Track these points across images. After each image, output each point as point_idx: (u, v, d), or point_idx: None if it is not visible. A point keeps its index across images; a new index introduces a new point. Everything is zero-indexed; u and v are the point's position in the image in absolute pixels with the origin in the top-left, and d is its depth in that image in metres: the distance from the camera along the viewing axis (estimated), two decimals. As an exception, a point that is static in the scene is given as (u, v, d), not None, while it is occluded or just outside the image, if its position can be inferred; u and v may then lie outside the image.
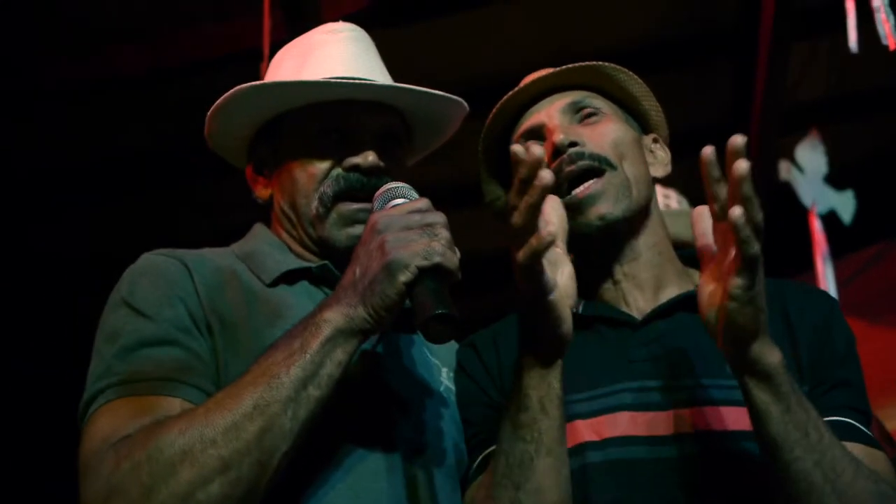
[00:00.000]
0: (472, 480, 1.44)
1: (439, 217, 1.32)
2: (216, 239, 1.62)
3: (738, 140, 1.16)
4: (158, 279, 1.42)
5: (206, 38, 3.03)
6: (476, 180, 1.68)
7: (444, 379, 1.57)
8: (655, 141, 1.65)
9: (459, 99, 1.64)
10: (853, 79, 3.56)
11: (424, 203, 1.35)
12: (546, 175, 1.16)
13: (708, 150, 1.20)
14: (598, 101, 1.57)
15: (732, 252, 1.19)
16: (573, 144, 1.49)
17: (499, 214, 1.68)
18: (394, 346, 1.54)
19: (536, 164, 1.17)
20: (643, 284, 1.52)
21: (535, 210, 1.17)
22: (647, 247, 1.54)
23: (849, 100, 3.67)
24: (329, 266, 1.52)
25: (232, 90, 1.54)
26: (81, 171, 3.63)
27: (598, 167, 1.49)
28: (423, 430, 1.47)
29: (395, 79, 1.65)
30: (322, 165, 1.53)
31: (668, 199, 2.60)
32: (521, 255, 1.18)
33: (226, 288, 1.44)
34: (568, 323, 1.26)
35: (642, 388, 1.41)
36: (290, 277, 1.51)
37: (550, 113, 1.55)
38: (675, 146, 1.81)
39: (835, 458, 1.23)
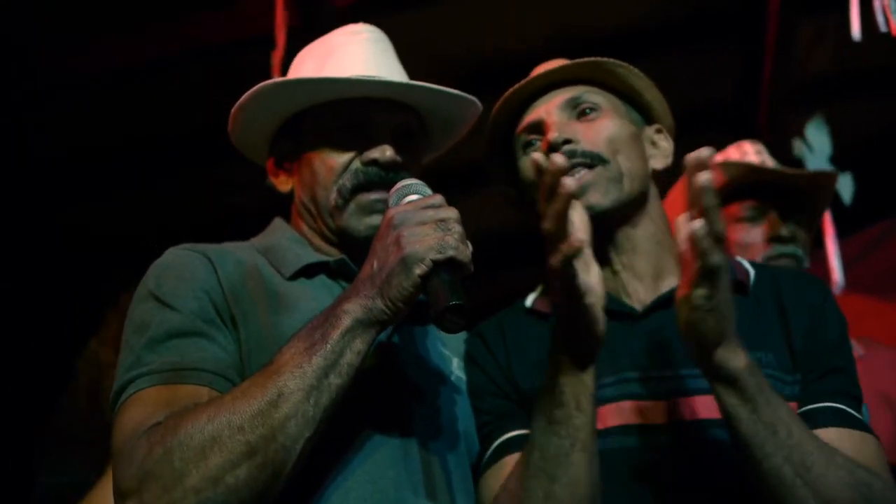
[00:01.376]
0: (487, 468, 1.49)
1: (452, 212, 1.38)
2: (223, 222, 1.66)
3: (702, 153, 1.21)
4: (184, 273, 1.47)
5: (217, 23, 3.06)
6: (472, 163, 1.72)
7: (456, 369, 1.63)
8: (658, 131, 1.68)
9: (474, 98, 1.69)
10: (861, 56, 3.55)
11: (438, 199, 1.40)
12: (569, 183, 1.22)
13: (691, 157, 1.24)
14: (597, 97, 1.62)
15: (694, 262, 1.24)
16: (567, 142, 1.54)
17: (511, 202, 1.74)
18: (408, 338, 1.59)
19: (559, 174, 1.23)
20: (642, 275, 1.57)
21: (563, 217, 1.24)
22: (644, 238, 1.58)
23: (856, 77, 3.67)
24: (346, 261, 1.58)
25: (257, 86, 1.59)
26: (96, 156, 3.67)
27: (588, 164, 1.54)
28: (437, 417, 1.53)
29: (403, 60, 1.71)
30: (341, 159, 1.59)
31: (761, 155, 2.60)
32: (554, 259, 1.25)
33: (247, 281, 1.50)
34: (601, 323, 1.31)
35: (643, 378, 1.46)
36: (309, 271, 1.57)
37: (549, 109, 1.60)
38: (687, 124, 1.86)
39: (804, 452, 1.28)
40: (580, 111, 1.60)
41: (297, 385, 1.29)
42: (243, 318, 1.45)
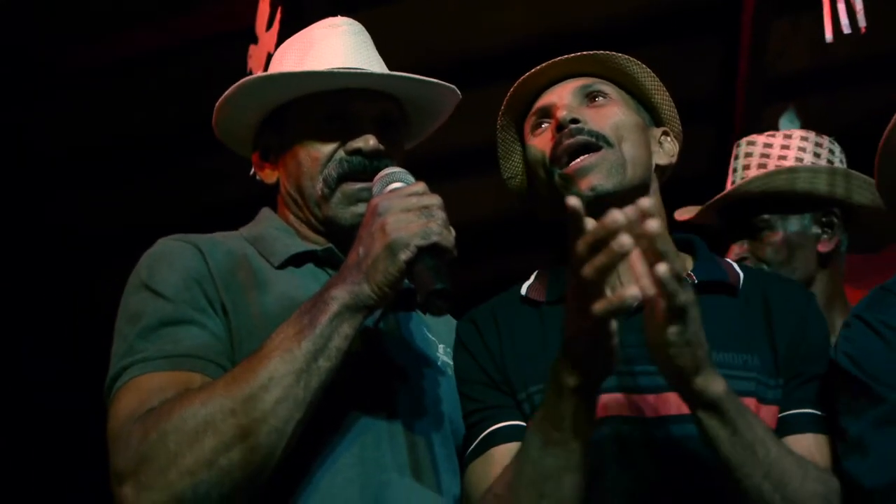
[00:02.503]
0: (474, 458, 1.52)
1: (435, 199, 1.42)
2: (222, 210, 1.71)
3: (644, 202, 1.22)
4: (175, 263, 1.51)
5: (207, 18, 3.12)
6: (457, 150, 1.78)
7: (442, 354, 1.68)
8: (666, 134, 1.71)
9: (452, 86, 1.73)
10: (836, 50, 3.65)
11: (421, 186, 1.44)
12: (629, 244, 1.18)
13: (639, 206, 1.22)
14: (608, 87, 1.66)
15: (662, 302, 1.25)
16: (574, 121, 1.57)
17: (520, 196, 1.78)
18: (394, 323, 1.64)
19: (617, 229, 1.19)
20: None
21: (611, 271, 1.21)
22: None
23: (830, 71, 3.76)
24: (333, 249, 1.62)
25: (242, 81, 1.64)
26: (96, 150, 3.74)
27: (594, 143, 1.56)
28: (422, 400, 1.57)
29: (389, 54, 1.75)
30: (325, 149, 1.63)
31: (820, 149, 2.35)
32: (601, 307, 1.21)
33: (238, 270, 1.53)
34: (616, 365, 1.31)
35: (633, 372, 1.49)
36: (296, 260, 1.61)
37: (561, 94, 1.65)
38: None
39: (783, 469, 1.33)
40: (590, 97, 1.64)
41: (287, 369, 1.32)
42: (233, 305, 1.49)
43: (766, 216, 2.21)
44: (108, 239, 4.14)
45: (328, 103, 1.64)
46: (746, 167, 2.33)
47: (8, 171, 3.69)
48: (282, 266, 1.59)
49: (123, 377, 1.40)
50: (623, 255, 1.19)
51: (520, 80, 1.68)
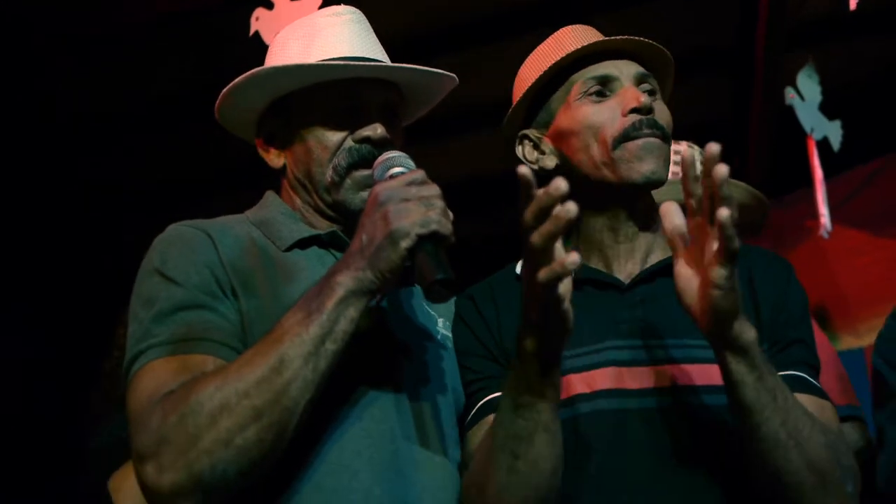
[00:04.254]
0: (471, 426, 1.61)
1: (434, 189, 1.48)
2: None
3: (713, 147, 1.29)
4: (185, 248, 1.58)
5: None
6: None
7: (441, 328, 1.75)
8: None
9: (451, 74, 1.79)
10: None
11: (420, 175, 1.50)
12: (573, 209, 1.25)
13: (709, 150, 1.30)
14: (656, 84, 1.71)
15: (713, 245, 1.32)
16: (651, 111, 1.63)
17: (509, 138, 1.78)
18: (395, 301, 1.71)
19: (560, 199, 1.26)
20: (636, 249, 1.67)
21: (557, 238, 1.29)
22: (652, 217, 1.67)
23: (851, 19, 3.72)
24: (337, 232, 1.70)
25: (253, 71, 1.69)
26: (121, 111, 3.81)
27: (661, 136, 1.63)
28: (425, 372, 1.65)
29: (378, 17, 1.79)
30: (335, 138, 1.69)
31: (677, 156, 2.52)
32: (544, 274, 1.29)
33: (246, 255, 1.61)
34: (572, 326, 1.37)
35: (627, 346, 1.56)
36: (302, 244, 1.68)
37: (623, 71, 1.67)
38: (686, 66, 1.90)
39: (797, 417, 1.39)
40: (646, 89, 1.68)
41: (297, 352, 1.40)
42: (244, 289, 1.56)
43: None
44: (141, 193, 4.25)
45: (338, 92, 1.69)
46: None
47: (39, 131, 3.77)
48: (288, 249, 1.66)
49: (140, 360, 1.48)
50: (569, 221, 1.26)
51: (585, 45, 1.67)
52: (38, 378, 3.93)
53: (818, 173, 3.28)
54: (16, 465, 3.62)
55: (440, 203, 1.47)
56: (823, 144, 3.44)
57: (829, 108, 3.50)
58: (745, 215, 2.35)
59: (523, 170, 1.30)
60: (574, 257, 1.26)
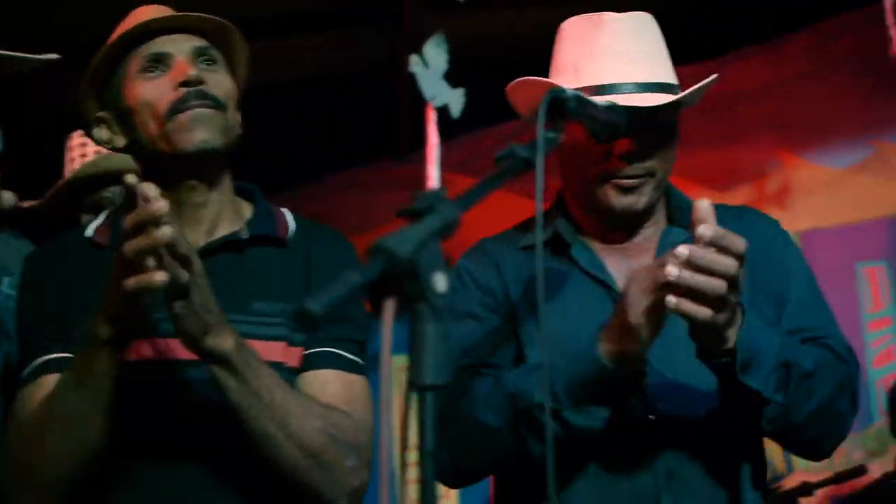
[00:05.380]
0: (27, 384, 1.66)
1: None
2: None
3: (150, 189, 1.44)
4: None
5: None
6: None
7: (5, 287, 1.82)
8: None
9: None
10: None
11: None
12: (167, 233, 1.37)
13: (162, 205, 1.41)
14: (217, 54, 1.76)
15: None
16: (200, 82, 1.68)
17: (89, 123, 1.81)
18: None
19: (157, 218, 1.37)
20: (200, 221, 1.73)
21: (147, 254, 1.38)
22: (215, 189, 1.74)
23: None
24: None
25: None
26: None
27: (212, 106, 1.68)
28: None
29: None
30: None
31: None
32: (132, 284, 1.40)
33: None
34: (147, 319, 1.52)
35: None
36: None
37: (180, 48, 1.72)
38: (339, 20, 1.88)
39: (286, 410, 1.57)
40: (205, 60, 1.73)
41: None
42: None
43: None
44: None
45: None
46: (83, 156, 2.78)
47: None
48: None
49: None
50: (162, 244, 1.37)
51: (138, 23, 1.72)
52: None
53: (433, 139, 3.61)
54: None
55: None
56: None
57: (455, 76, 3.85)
58: None
59: (130, 178, 1.43)
60: (162, 277, 1.39)
